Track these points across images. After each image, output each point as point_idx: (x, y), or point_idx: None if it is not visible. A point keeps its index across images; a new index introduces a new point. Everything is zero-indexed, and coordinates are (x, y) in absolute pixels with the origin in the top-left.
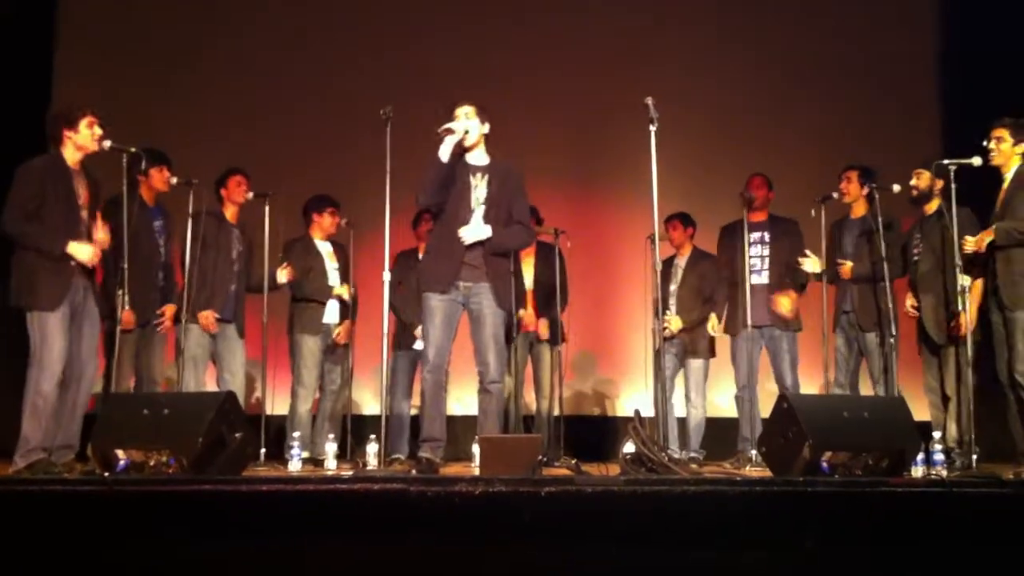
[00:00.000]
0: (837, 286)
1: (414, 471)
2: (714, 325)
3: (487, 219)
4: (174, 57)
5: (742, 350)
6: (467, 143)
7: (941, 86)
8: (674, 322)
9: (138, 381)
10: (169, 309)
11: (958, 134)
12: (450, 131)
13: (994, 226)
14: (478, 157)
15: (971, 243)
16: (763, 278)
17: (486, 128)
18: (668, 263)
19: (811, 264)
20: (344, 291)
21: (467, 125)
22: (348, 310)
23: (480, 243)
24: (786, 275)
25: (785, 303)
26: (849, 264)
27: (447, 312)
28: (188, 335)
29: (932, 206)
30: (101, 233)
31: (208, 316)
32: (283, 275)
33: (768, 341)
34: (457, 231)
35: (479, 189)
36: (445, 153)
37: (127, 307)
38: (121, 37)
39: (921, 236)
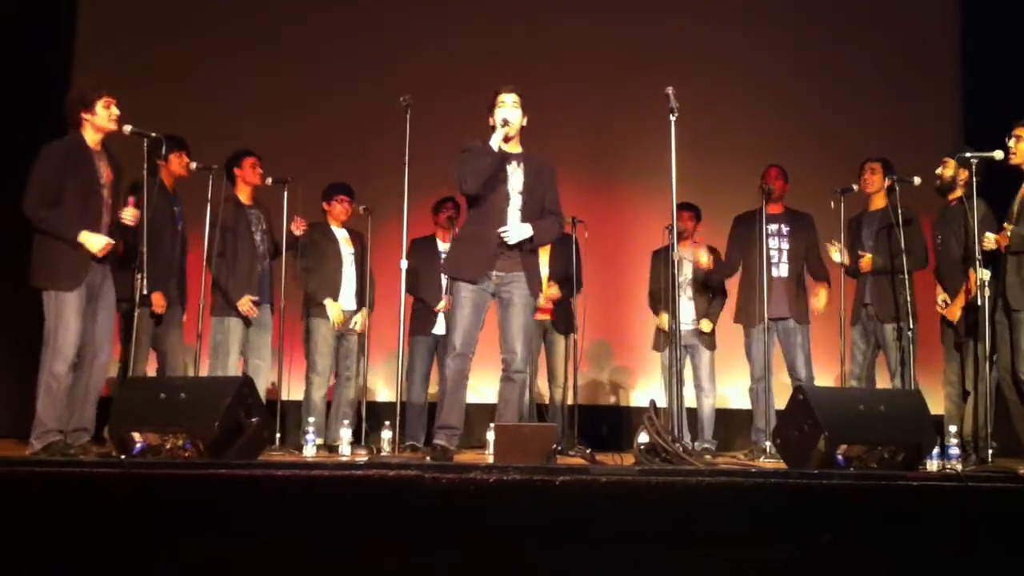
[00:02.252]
0: (857, 279)
1: (428, 458)
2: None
3: (524, 209)
4: (194, 45)
5: (758, 342)
6: (511, 133)
7: (963, 80)
8: (705, 324)
9: (160, 366)
10: (157, 296)
11: (980, 129)
12: (507, 122)
13: (1009, 231)
14: (514, 147)
15: (990, 242)
16: (782, 271)
17: (525, 120)
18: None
19: (837, 254)
20: (337, 316)
21: (517, 115)
22: (364, 298)
23: (520, 242)
24: (809, 269)
25: (822, 298)
26: (869, 256)
27: (477, 301)
28: (218, 328)
29: (953, 197)
30: (129, 211)
31: (246, 302)
32: (295, 228)
33: (782, 334)
34: (493, 220)
35: (515, 178)
36: (496, 143)
37: (147, 291)
38: (141, 26)
39: (940, 230)
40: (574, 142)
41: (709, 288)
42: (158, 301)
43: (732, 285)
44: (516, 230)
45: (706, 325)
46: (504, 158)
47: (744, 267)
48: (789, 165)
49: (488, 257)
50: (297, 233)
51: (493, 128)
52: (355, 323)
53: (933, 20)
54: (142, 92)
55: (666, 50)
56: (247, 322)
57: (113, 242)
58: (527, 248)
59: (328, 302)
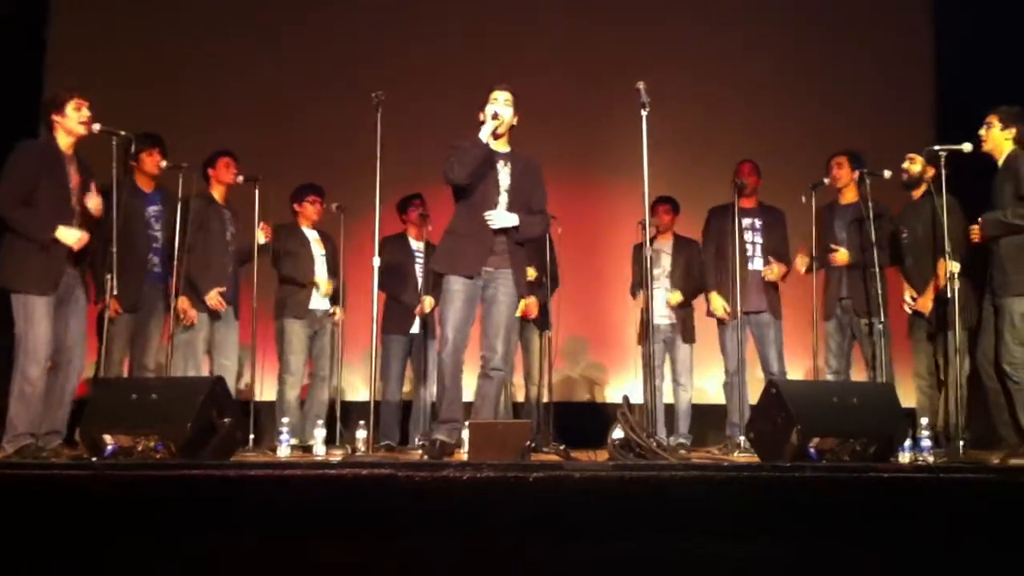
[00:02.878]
0: (827, 272)
1: (424, 454)
2: (721, 306)
3: (510, 206)
4: (165, 47)
5: (732, 336)
6: (500, 130)
7: (935, 74)
8: (673, 296)
9: (131, 367)
10: (183, 302)
11: (952, 122)
12: (497, 116)
13: (980, 218)
14: (503, 145)
15: (975, 233)
16: (756, 264)
17: (515, 120)
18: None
19: (803, 267)
20: (325, 285)
21: (508, 112)
22: (336, 297)
23: (505, 230)
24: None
25: (775, 270)
26: (843, 251)
27: (469, 295)
28: (182, 322)
29: (919, 192)
30: (94, 199)
31: (214, 296)
32: (261, 235)
33: (755, 327)
34: (483, 216)
35: (503, 176)
36: (486, 135)
37: (115, 292)
38: (112, 25)
39: (907, 223)
40: (548, 138)
41: (691, 274)
42: (113, 305)
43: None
44: (501, 216)
45: (674, 297)
46: (493, 156)
47: (719, 262)
48: (764, 159)
49: (482, 253)
50: (262, 240)
51: (483, 123)
52: (336, 313)
53: (907, 15)
54: (113, 93)
55: (640, 46)
56: (214, 316)
57: (88, 236)
58: (515, 239)
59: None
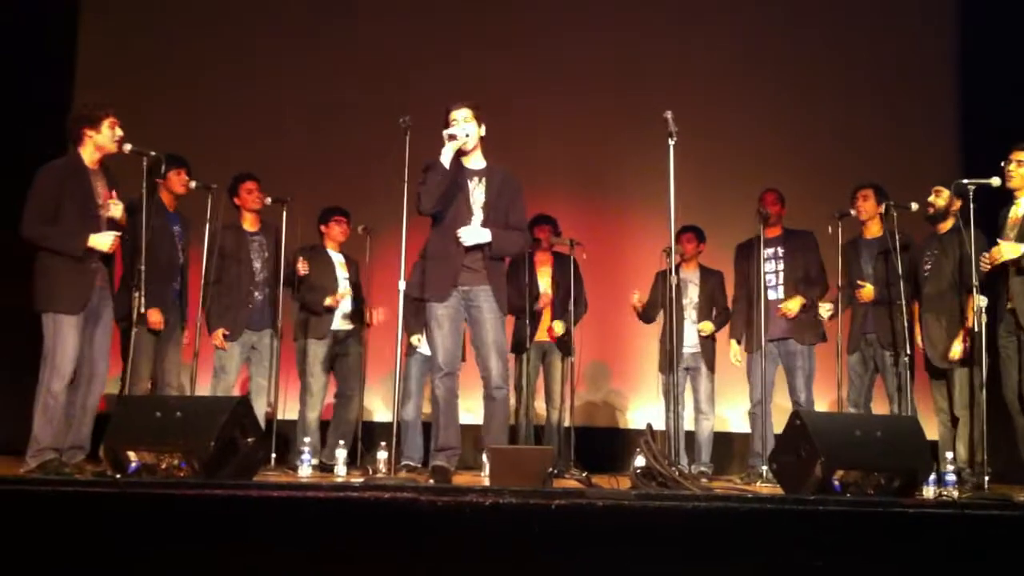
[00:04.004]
0: (853, 307)
1: (430, 480)
2: (736, 352)
3: (486, 223)
4: (194, 65)
5: (758, 366)
6: (467, 147)
7: (960, 106)
8: (705, 327)
9: (154, 384)
10: (154, 313)
11: (976, 155)
12: (454, 137)
13: (1005, 246)
14: (475, 161)
15: (985, 260)
16: (779, 293)
17: (482, 131)
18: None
19: (826, 313)
20: (340, 293)
21: (468, 130)
22: (360, 315)
23: (479, 246)
24: (800, 286)
25: (792, 305)
26: (869, 287)
27: (452, 317)
28: (220, 352)
29: (946, 225)
30: (115, 209)
31: (218, 336)
32: (302, 268)
33: (784, 356)
34: (456, 234)
35: (477, 193)
36: (447, 158)
37: (143, 311)
38: (141, 46)
39: (931, 256)
40: (572, 163)
41: (716, 305)
42: (154, 318)
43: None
44: (472, 232)
45: (707, 327)
46: (464, 173)
47: (744, 292)
48: (788, 190)
49: (452, 273)
50: (302, 273)
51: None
52: (375, 314)
53: (932, 45)
54: (139, 111)
55: (666, 72)
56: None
57: (119, 235)
58: (489, 255)
59: (329, 299)
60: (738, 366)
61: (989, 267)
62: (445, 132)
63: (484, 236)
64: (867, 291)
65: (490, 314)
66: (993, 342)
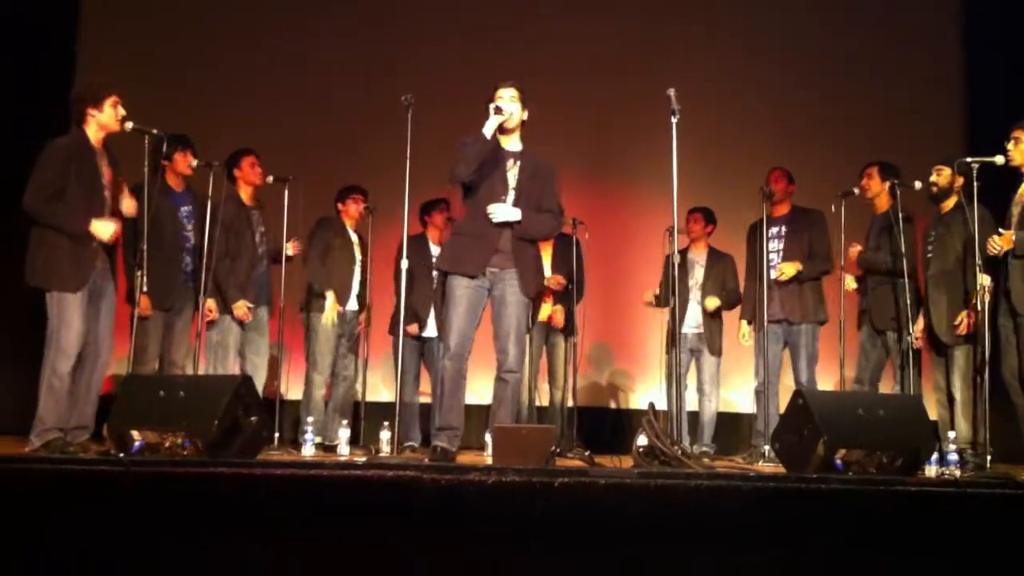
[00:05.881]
0: (866, 284)
1: (427, 459)
2: (745, 334)
3: (517, 204)
4: (196, 44)
5: (760, 344)
6: (507, 125)
7: (967, 84)
8: (710, 301)
9: (160, 365)
10: (211, 302)
11: (982, 133)
12: (500, 110)
13: (1013, 235)
14: (513, 143)
15: (996, 244)
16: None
17: (525, 115)
18: (682, 255)
19: (781, 273)
20: (332, 311)
21: (514, 108)
22: (364, 296)
23: (509, 227)
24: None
25: (786, 268)
26: (857, 247)
27: (472, 299)
28: (215, 325)
29: (949, 204)
30: (127, 201)
31: (242, 307)
32: (290, 249)
33: (787, 335)
34: (487, 208)
35: (511, 175)
36: (490, 130)
37: (144, 290)
38: (145, 24)
39: (935, 235)
40: (575, 143)
41: (726, 287)
42: (144, 304)
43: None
44: (503, 209)
45: (712, 302)
46: (502, 153)
47: (749, 271)
48: (795, 166)
49: (486, 252)
50: (289, 254)
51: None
52: (362, 323)
53: (938, 21)
54: (144, 89)
55: (669, 50)
56: (242, 323)
57: (120, 228)
58: (518, 236)
59: (329, 296)
60: (746, 346)
61: (997, 251)
62: (491, 105)
63: (515, 214)
64: (854, 250)
65: (513, 298)
66: (995, 322)
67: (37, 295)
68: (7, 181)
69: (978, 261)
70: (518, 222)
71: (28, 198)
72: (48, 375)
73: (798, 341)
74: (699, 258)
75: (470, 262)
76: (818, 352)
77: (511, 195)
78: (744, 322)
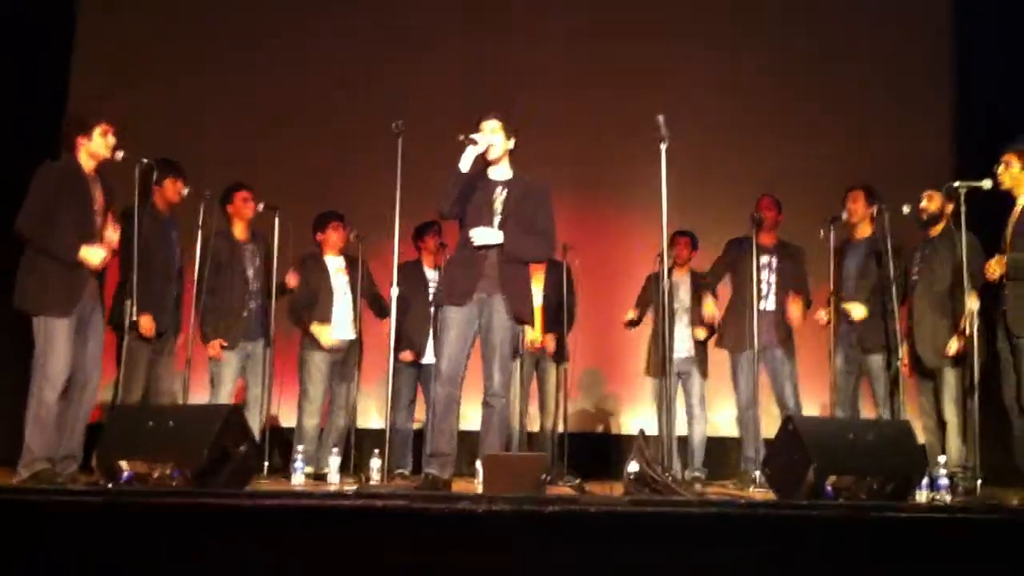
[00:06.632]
0: (834, 309)
1: (416, 487)
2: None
3: (503, 227)
4: (186, 69)
5: (744, 370)
6: (490, 156)
7: (956, 108)
8: (699, 332)
9: (146, 392)
10: (145, 319)
11: (970, 158)
12: (473, 141)
13: (1008, 256)
14: (501, 172)
15: (992, 268)
16: (769, 304)
17: (511, 144)
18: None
19: (824, 316)
20: (326, 336)
21: (491, 140)
22: (356, 326)
23: (497, 252)
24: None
25: (795, 311)
26: (858, 308)
27: (462, 325)
28: (215, 360)
29: (937, 229)
30: (110, 231)
31: (215, 347)
32: (292, 280)
33: (770, 362)
34: (469, 233)
35: (499, 203)
36: (466, 164)
37: (134, 318)
38: (135, 47)
39: (922, 258)
40: (565, 168)
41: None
42: (145, 324)
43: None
44: (484, 232)
45: (700, 333)
46: (489, 184)
47: (733, 295)
48: (781, 194)
49: (472, 277)
50: (291, 285)
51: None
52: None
53: (927, 44)
54: (132, 118)
55: (660, 76)
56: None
57: (111, 255)
58: (504, 260)
59: (315, 326)
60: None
61: (995, 276)
62: (460, 136)
63: (495, 237)
64: (856, 311)
65: (499, 323)
66: (989, 345)
67: (27, 321)
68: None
69: (967, 285)
70: (501, 245)
71: (20, 222)
72: (35, 404)
73: (782, 369)
74: (683, 281)
75: (456, 291)
76: (798, 378)
77: (497, 220)
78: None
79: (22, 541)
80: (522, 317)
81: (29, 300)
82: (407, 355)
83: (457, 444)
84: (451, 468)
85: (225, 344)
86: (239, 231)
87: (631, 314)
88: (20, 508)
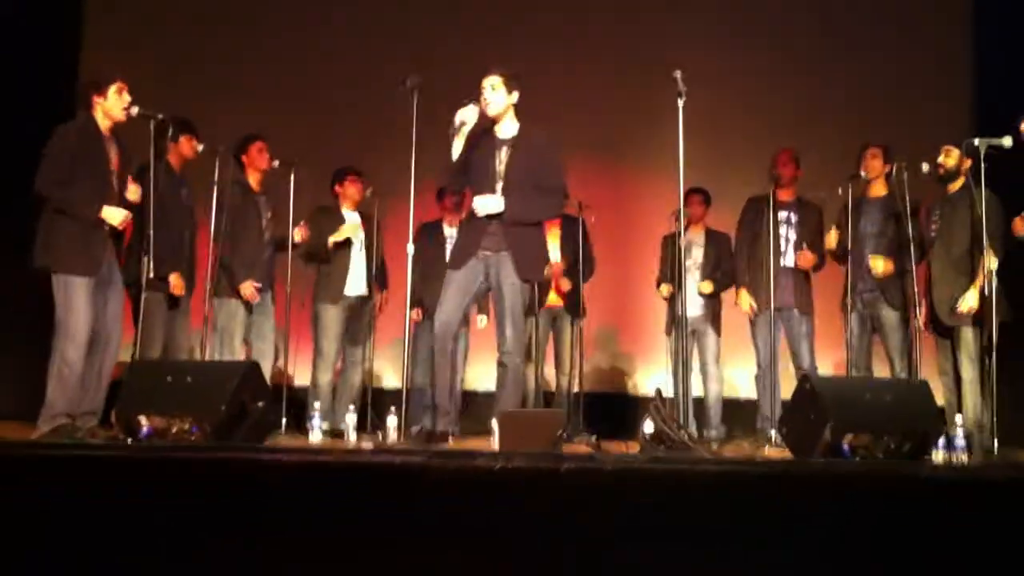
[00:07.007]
0: (851, 266)
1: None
2: (748, 303)
3: (508, 190)
4: (200, 28)
5: (763, 330)
6: (491, 113)
7: (976, 66)
8: (704, 285)
9: (164, 349)
10: (174, 277)
11: (990, 116)
12: (463, 123)
13: None
14: (506, 128)
15: (1019, 226)
16: (788, 261)
17: (514, 98)
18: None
19: (805, 259)
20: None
21: (499, 97)
22: (373, 282)
23: (499, 216)
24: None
25: (808, 256)
26: (882, 263)
27: (460, 283)
28: (221, 309)
29: (956, 186)
30: (132, 191)
31: (248, 287)
32: (298, 235)
33: (786, 322)
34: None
35: (501, 165)
36: (456, 150)
37: (151, 275)
38: (149, 9)
39: (940, 216)
40: (581, 126)
41: (719, 269)
42: (176, 283)
43: None
44: (485, 202)
45: (706, 286)
46: (493, 142)
47: (751, 253)
48: (801, 149)
49: (473, 241)
50: (297, 239)
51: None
52: (375, 305)
53: (947, 3)
54: (146, 75)
55: (674, 34)
56: (249, 307)
57: (130, 214)
58: (510, 221)
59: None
60: (750, 313)
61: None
62: (458, 117)
63: (496, 206)
64: (879, 266)
65: (507, 281)
66: (1011, 300)
67: (44, 278)
68: (11, 171)
69: (985, 243)
70: (502, 212)
71: (39, 181)
72: (58, 362)
73: (799, 329)
74: (697, 239)
75: (457, 256)
76: (814, 338)
77: (499, 186)
78: (743, 291)
79: (41, 494)
80: (530, 276)
81: (49, 257)
82: (415, 313)
83: (461, 400)
84: (450, 422)
85: (259, 285)
86: (254, 182)
87: (664, 290)
88: (38, 461)
